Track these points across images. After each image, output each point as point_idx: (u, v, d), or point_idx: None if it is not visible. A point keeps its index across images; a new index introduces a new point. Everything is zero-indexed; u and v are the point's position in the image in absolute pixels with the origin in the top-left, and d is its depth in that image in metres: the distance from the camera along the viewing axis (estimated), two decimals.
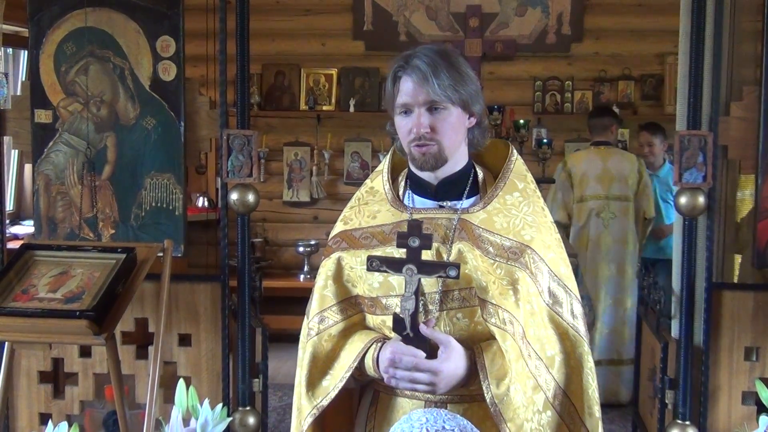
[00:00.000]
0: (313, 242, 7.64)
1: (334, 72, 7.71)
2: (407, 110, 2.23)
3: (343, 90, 7.69)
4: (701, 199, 3.65)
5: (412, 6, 7.55)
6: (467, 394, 2.21)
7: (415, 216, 2.27)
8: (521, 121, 6.33)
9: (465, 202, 2.30)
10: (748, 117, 3.69)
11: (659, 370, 3.83)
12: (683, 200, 3.67)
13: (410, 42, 7.32)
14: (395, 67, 2.25)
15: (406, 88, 2.21)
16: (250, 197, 3.78)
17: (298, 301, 6.41)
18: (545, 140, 6.40)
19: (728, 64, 3.88)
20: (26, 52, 6.19)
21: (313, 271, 7.51)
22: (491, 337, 2.18)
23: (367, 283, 2.28)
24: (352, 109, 7.60)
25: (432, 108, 2.20)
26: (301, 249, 7.63)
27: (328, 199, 7.84)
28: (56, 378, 4.03)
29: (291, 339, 6.54)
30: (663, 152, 6.39)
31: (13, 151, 6.02)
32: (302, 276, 7.62)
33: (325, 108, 7.71)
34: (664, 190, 6.29)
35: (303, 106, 7.70)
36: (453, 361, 2.13)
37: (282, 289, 7.16)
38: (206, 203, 7.64)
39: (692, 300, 3.74)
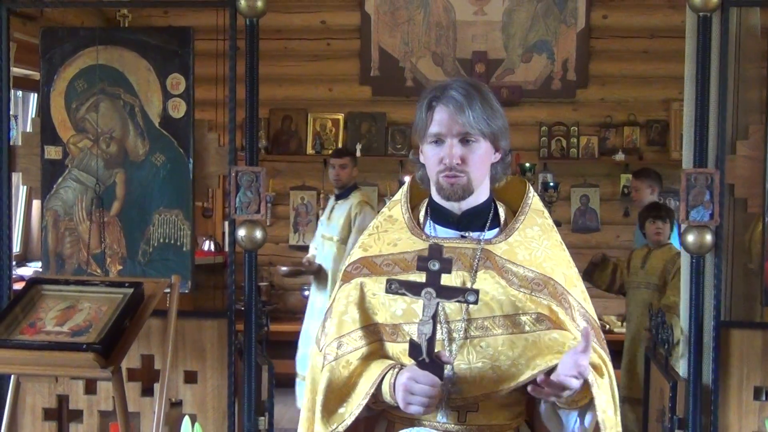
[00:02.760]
0: None
1: (340, 117, 7.76)
2: (438, 140, 2.23)
3: (350, 135, 7.74)
4: (708, 237, 3.65)
5: (419, 52, 7.63)
6: (485, 424, 2.20)
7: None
8: (527, 165, 6.37)
9: (487, 234, 2.31)
10: (754, 156, 3.71)
11: (668, 409, 3.80)
12: (690, 238, 3.67)
13: (417, 87, 7.37)
14: (430, 96, 2.25)
15: (440, 118, 2.21)
16: (258, 234, 3.79)
17: None
18: (551, 184, 6.42)
19: (733, 110, 3.90)
20: (35, 94, 6.27)
21: None
22: (513, 368, 2.17)
23: (389, 311, 2.27)
24: (358, 154, 7.61)
25: (464, 140, 2.21)
26: (306, 293, 7.58)
27: None
28: (60, 415, 4.01)
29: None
30: (652, 197, 6.37)
31: (21, 189, 6.06)
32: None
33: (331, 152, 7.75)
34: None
35: (310, 151, 7.75)
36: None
37: (287, 333, 7.12)
38: (213, 246, 7.65)
39: (700, 339, 3.72)
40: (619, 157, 7.45)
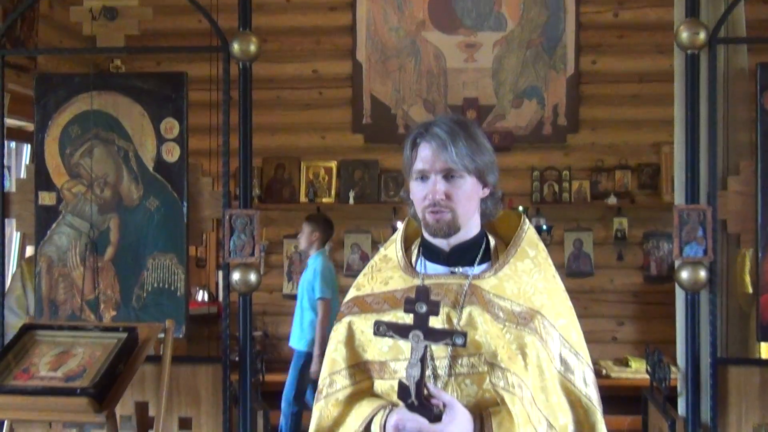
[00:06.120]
0: None
1: (333, 164, 7.79)
2: (423, 176, 2.24)
3: (343, 182, 7.76)
4: (703, 274, 3.66)
5: (410, 99, 7.68)
6: None
7: (427, 281, 2.27)
8: (520, 209, 6.37)
9: (476, 269, 2.31)
10: (745, 191, 3.73)
11: None
12: (684, 275, 3.67)
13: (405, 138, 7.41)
14: (414, 134, 2.27)
15: (424, 155, 2.23)
16: (252, 277, 3.79)
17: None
18: (544, 227, 6.43)
19: (724, 147, 3.94)
20: (29, 145, 6.28)
21: None
22: (499, 404, 2.16)
23: (377, 347, 2.27)
24: (351, 201, 7.65)
25: (448, 176, 2.22)
26: None
27: None
28: None
29: None
30: (311, 242, 6.47)
31: (15, 236, 6.03)
32: None
33: (324, 200, 7.76)
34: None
35: (303, 199, 7.75)
36: (458, 425, 2.09)
37: (282, 383, 7.06)
38: (206, 297, 7.61)
39: (698, 376, 3.71)
40: (611, 200, 7.47)
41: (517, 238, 2.36)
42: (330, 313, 6.27)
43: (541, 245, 2.40)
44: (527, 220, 2.43)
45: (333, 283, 6.48)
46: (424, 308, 2.10)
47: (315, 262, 6.41)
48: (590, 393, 2.25)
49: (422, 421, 2.07)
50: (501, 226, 2.45)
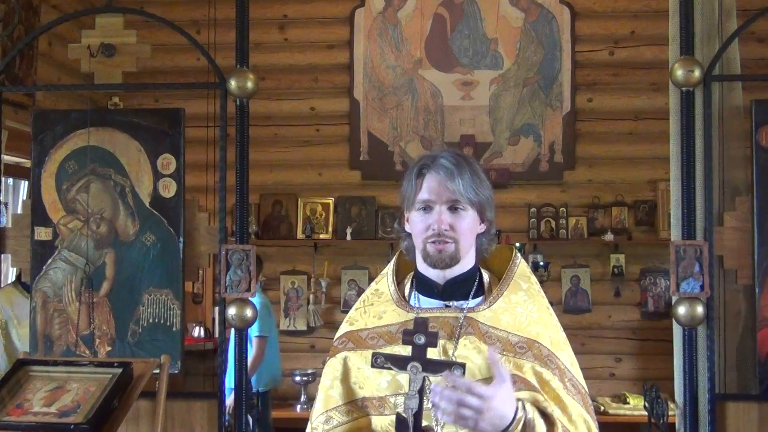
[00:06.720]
0: (310, 371, 7.53)
1: (330, 201, 7.80)
2: (427, 207, 2.26)
3: (340, 218, 7.77)
4: (700, 309, 3.65)
5: (407, 136, 7.71)
6: None
7: (422, 315, 2.27)
8: (517, 245, 6.38)
9: (471, 302, 2.31)
10: (742, 227, 3.74)
11: None
12: (682, 311, 3.67)
13: (406, 171, 7.41)
14: (420, 164, 2.30)
15: (431, 185, 2.25)
16: (248, 312, 3.79)
17: None
18: (542, 264, 6.43)
19: (720, 183, 3.95)
20: (26, 182, 6.29)
21: (311, 401, 7.39)
22: None
23: (375, 383, 2.26)
24: (348, 237, 7.65)
25: (452, 207, 2.24)
26: (297, 378, 7.51)
27: (325, 327, 7.79)
28: None
29: None
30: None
31: (11, 272, 6.03)
32: (299, 406, 7.49)
33: (321, 236, 7.76)
34: None
35: (300, 235, 7.75)
36: (504, 394, 2.04)
37: (279, 420, 7.04)
38: (202, 333, 7.59)
39: (696, 412, 3.69)
40: (608, 237, 7.46)
41: (509, 272, 2.38)
42: (264, 352, 6.19)
43: (533, 278, 2.42)
44: (518, 254, 2.45)
45: (270, 320, 6.42)
46: (422, 339, 2.10)
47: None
48: (593, 421, 2.27)
49: None
50: (493, 262, 2.46)
